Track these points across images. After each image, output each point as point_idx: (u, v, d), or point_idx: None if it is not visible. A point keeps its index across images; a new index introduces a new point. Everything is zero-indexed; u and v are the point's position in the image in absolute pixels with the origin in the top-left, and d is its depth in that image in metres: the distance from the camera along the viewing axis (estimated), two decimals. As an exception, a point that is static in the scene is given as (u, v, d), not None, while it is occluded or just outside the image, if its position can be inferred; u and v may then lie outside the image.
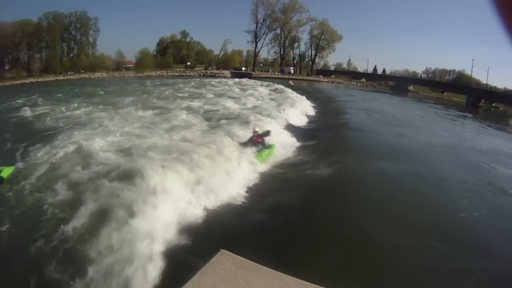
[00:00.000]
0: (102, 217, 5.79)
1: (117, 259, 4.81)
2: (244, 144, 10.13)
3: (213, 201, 6.91)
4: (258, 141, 10.27)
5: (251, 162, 9.26)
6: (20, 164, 9.05)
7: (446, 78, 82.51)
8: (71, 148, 9.75)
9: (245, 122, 13.15)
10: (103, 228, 5.46)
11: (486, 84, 62.31)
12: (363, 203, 7.51)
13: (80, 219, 5.79)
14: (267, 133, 10.88)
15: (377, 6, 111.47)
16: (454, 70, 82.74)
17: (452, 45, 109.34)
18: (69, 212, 6.15)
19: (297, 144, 12.39)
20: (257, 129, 10.76)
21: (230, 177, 8.06)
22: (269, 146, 10.46)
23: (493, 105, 49.76)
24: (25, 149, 10.68)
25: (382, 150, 12.64)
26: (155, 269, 4.76)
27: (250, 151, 9.68)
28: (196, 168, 7.75)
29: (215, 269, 4.12)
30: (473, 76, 66.15)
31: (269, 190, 7.90)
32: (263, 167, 9.48)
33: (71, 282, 4.56)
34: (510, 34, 0.70)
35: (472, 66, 63.81)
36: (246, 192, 7.63)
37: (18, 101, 24.74)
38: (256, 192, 7.67)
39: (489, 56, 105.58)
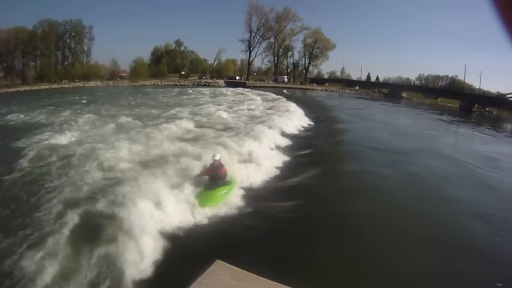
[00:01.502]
0: (92, 227, 5.79)
1: (110, 269, 4.75)
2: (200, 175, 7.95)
3: (207, 212, 6.86)
4: (221, 173, 7.85)
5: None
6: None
7: (439, 84, 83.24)
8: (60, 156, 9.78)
9: (235, 134, 13.01)
10: (92, 238, 5.43)
11: (479, 89, 62.90)
12: (358, 211, 7.51)
13: (71, 225, 5.80)
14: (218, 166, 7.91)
15: (370, 13, 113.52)
16: (447, 76, 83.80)
17: (444, 51, 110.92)
18: (60, 217, 6.18)
19: (291, 153, 12.34)
20: (217, 157, 8.03)
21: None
22: (228, 183, 7.91)
23: (487, 109, 50.01)
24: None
25: (376, 157, 12.72)
26: (149, 281, 4.71)
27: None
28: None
29: (211, 280, 4.10)
30: (466, 81, 67.06)
31: (263, 200, 7.86)
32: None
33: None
34: (510, 34, 0.70)
35: (465, 72, 64.39)
36: (241, 202, 7.57)
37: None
38: (251, 203, 7.61)
39: (482, 61, 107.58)
